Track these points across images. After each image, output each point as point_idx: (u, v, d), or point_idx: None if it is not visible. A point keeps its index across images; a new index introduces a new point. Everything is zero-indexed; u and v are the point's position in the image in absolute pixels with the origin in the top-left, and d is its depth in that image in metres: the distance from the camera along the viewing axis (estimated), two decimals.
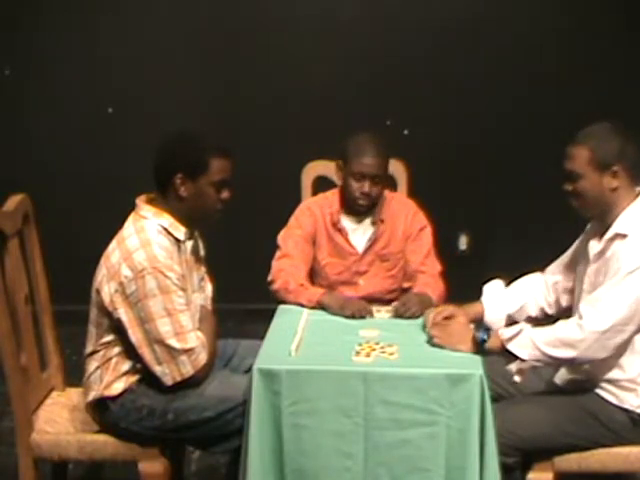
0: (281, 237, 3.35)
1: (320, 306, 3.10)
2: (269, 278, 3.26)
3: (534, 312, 3.01)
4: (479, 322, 2.94)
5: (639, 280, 2.59)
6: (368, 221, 3.36)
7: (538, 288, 3.02)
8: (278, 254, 3.32)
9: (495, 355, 2.71)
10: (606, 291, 2.63)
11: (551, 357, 2.66)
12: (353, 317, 3.02)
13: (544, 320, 2.96)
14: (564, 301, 2.98)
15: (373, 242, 3.35)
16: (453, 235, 5.11)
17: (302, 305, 3.13)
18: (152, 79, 4.96)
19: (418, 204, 3.46)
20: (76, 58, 4.95)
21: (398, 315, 3.05)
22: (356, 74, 4.94)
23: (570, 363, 2.74)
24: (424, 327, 2.89)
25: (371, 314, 3.06)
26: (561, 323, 2.71)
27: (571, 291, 2.95)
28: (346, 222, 3.37)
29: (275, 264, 3.29)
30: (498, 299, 3.01)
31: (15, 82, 4.98)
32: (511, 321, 2.97)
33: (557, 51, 4.92)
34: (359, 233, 3.37)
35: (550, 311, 3.01)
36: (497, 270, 4.95)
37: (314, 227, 3.36)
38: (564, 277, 2.98)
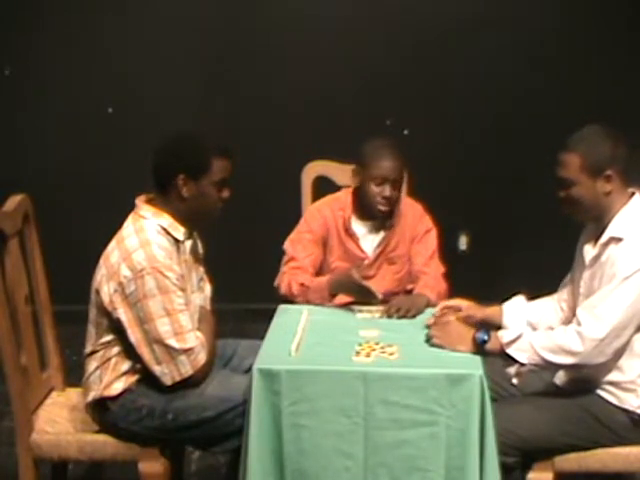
0: (289, 241, 3.33)
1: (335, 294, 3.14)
2: (275, 283, 3.26)
3: (555, 323, 2.95)
4: (488, 324, 2.93)
5: (635, 285, 2.59)
6: (379, 226, 3.35)
7: (554, 308, 3.00)
8: (285, 258, 3.31)
9: (495, 356, 2.71)
10: (603, 297, 2.62)
11: (550, 363, 2.67)
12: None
13: None
14: None
15: (384, 247, 3.35)
16: (453, 235, 5.11)
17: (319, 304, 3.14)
18: (152, 79, 4.97)
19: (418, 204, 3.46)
20: (76, 58, 4.95)
21: (388, 316, 3.04)
22: (356, 74, 4.94)
23: (569, 368, 2.74)
24: (427, 326, 2.88)
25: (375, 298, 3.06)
26: (560, 329, 2.71)
27: None
28: (358, 227, 3.35)
29: (282, 269, 3.28)
30: (519, 306, 2.99)
31: (15, 82, 4.98)
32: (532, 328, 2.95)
33: (557, 51, 4.93)
34: (370, 238, 3.36)
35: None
36: (497, 270, 4.99)
37: (325, 229, 3.34)
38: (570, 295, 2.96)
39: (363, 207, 3.31)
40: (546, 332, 2.74)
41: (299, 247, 3.30)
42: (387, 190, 3.21)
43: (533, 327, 2.93)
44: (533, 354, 2.66)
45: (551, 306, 2.98)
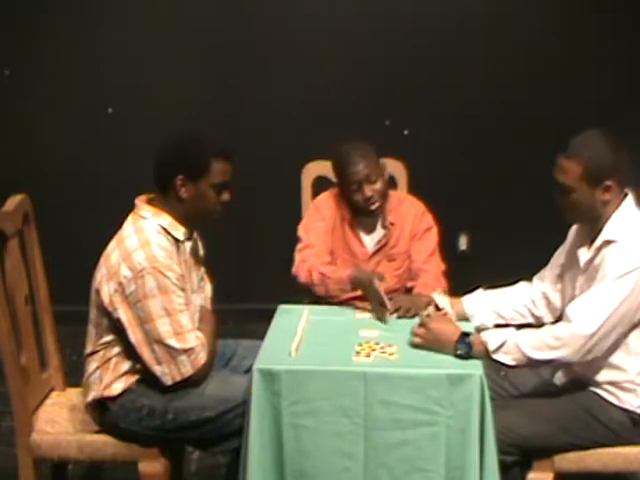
0: (302, 228, 3.36)
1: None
2: (292, 271, 3.27)
3: (524, 310, 3.01)
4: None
5: (626, 285, 2.58)
6: (379, 225, 3.39)
7: (524, 298, 3.02)
8: (300, 246, 3.32)
9: (481, 359, 2.68)
10: (594, 295, 2.62)
11: (537, 361, 2.65)
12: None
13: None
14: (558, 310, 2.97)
15: (383, 245, 3.37)
16: (453, 235, 5.11)
17: (337, 300, 3.15)
18: (152, 79, 4.96)
19: None
20: (76, 58, 4.95)
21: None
22: (356, 74, 4.93)
23: (557, 366, 2.72)
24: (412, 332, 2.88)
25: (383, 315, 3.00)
26: (547, 327, 2.71)
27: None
28: (359, 222, 3.39)
29: (297, 257, 3.29)
30: (478, 297, 3.02)
31: (15, 82, 4.98)
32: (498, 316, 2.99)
33: (557, 51, 4.92)
34: (370, 233, 3.40)
35: (533, 321, 3.01)
36: (497, 270, 4.97)
37: (333, 219, 3.38)
38: (553, 287, 2.97)
39: (358, 211, 3.35)
40: (532, 331, 2.72)
41: (313, 234, 3.32)
42: (366, 191, 3.24)
43: (500, 316, 2.97)
44: (519, 355, 2.64)
45: (524, 293, 3.00)
